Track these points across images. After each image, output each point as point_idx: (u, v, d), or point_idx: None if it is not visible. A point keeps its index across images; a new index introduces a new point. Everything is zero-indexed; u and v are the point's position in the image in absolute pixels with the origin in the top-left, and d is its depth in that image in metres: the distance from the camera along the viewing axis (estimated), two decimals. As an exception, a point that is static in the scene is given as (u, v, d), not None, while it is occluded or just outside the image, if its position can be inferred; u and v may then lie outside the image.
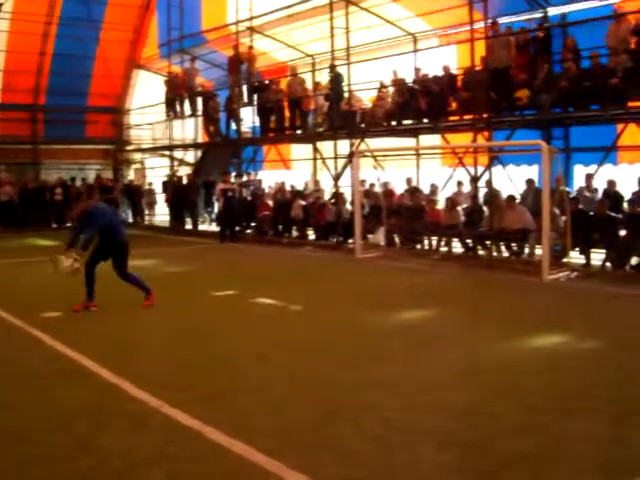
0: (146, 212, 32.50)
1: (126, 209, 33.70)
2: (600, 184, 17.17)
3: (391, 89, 21.27)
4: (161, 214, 31.51)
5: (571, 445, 5.92)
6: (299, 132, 23.94)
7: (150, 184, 31.84)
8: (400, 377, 7.94)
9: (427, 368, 8.34)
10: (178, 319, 11.53)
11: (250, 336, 10.27)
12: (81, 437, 6.25)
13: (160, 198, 31.61)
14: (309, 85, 24.60)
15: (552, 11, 19.55)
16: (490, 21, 17.87)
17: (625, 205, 15.96)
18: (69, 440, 6.21)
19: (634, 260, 15.13)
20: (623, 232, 15.49)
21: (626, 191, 16.56)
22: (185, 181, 29.47)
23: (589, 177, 17.38)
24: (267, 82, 25.55)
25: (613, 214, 15.59)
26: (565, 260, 15.79)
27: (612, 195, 16.45)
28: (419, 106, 19.49)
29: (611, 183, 16.80)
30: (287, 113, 24.10)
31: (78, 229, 12.06)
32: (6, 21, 29.13)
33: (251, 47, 25.54)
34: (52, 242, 25.24)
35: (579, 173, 18.28)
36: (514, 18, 19.69)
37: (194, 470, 5.55)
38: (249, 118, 26.09)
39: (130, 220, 33.08)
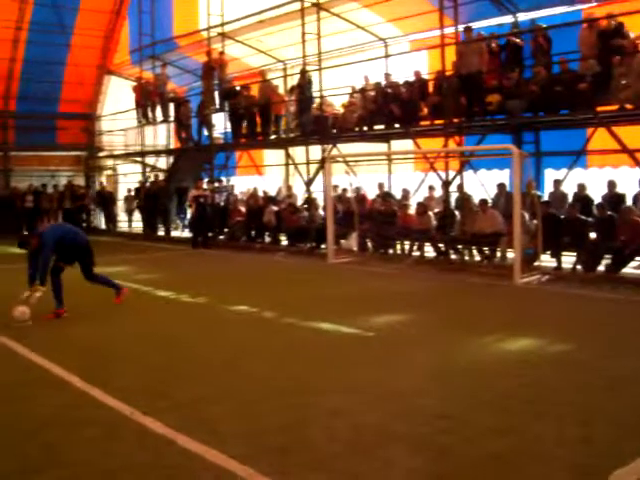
0: (126, 219, 32.31)
1: (98, 216, 33.60)
2: (570, 188, 17.30)
3: (363, 94, 21.31)
4: (133, 220, 31.37)
5: (543, 447, 5.95)
6: (271, 138, 23.93)
7: (129, 191, 31.61)
8: (372, 382, 7.95)
9: (399, 372, 8.35)
10: (149, 326, 11.48)
11: (222, 342, 10.25)
12: (51, 447, 6.20)
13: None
14: (281, 90, 24.63)
15: (522, 16, 19.70)
16: (463, 27, 17.97)
17: (595, 208, 16.07)
18: (39, 450, 6.14)
19: (604, 263, 15.26)
20: (593, 235, 15.63)
21: (596, 194, 16.72)
22: (151, 184, 29.40)
23: (557, 183, 17.50)
24: (239, 88, 25.54)
25: (583, 217, 15.71)
26: (536, 263, 15.89)
27: (582, 199, 16.59)
28: (391, 111, 19.54)
29: (581, 187, 16.95)
30: (259, 119, 24.07)
31: (34, 260, 11.82)
32: (-25, 27, 28.90)
33: (222, 53, 25.50)
34: (23, 249, 25.00)
35: (550, 177, 18.40)
36: (485, 23, 19.81)
37: (166, 478, 5.53)
38: (221, 124, 26.06)
39: (103, 227, 32.99)
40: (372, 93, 20.73)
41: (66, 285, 12.18)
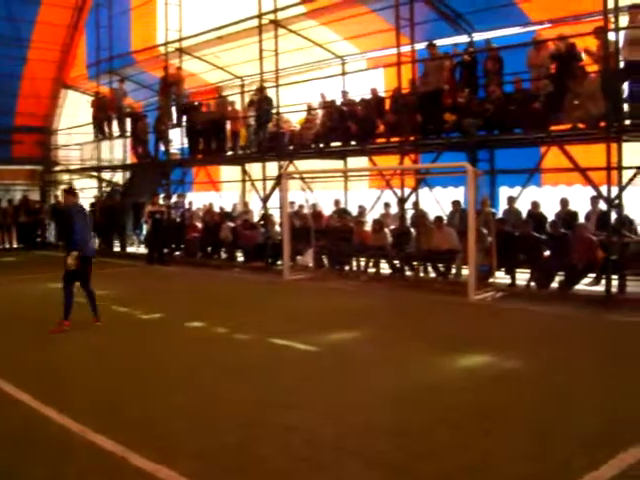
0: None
1: (52, 230, 33.29)
2: (524, 205, 17.47)
3: (319, 111, 21.40)
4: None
5: (494, 463, 6.00)
6: (228, 154, 23.90)
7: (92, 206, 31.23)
8: (327, 398, 7.97)
9: (354, 389, 8.37)
10: (103, 343, 11.40)
11: (176, 359, 10.22)
12: (3, 467, 6.14)
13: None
14: (238, 106, 24.62)
15: (477, 36, 19.92)
16: (427, 43, 18.13)
17: (548, 226, 16.24)
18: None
19: (558, 280, 15.42)
20: (547, 252, 15.79)
21: (550, 212, 16.90)
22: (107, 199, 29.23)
23: (511, 200, 17.67)
24: (196, 103, 25.50)
25: (537, 235, 15.87)
26: (491, 280, 16.02)
27: (536, 216, 16.77)
28: (347, 128, 19.62)
29: (535, 204, 17.12)
30: (215, 135, 24.02)
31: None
32: None
33: (179, 68, 25.44)
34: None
35: (504, 195, 18.56)
36: (440, 42, 19.96)
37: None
38: (178, 139, 25.98)
39: (56, 241, 32.66)
40: (329, 110, 20.81)
41: (17, 301, 12.05)
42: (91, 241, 13.66)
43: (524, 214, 17.23)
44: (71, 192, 13.53)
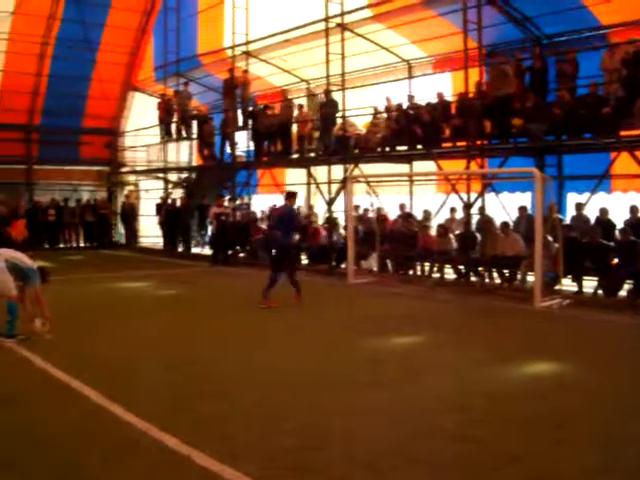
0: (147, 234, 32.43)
1: (119, 231, 33.76)
2: (593, 212, 17.20)
3: (385, 115, 21.33)
4: (154, 236, 31.45)
5: (563, 474, 5.91)
6: (294, 156, 23.95)
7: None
8: (390, 403, 7.92)
9: (418, 394, 8.32)
10: (169, 341, 11.48)
11: (241, 360, 10.25)
12: (67, 461, 6.22)
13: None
14: (304, 110, 24.67)
15: (545, 39, 19.68)
16: (489, 51, 18.01)
17: (617, 233, 15.98)
18: (55, 465, 6.16)
19: (626, 287, 15.17)
20: (615, 260, 15.54)
21: (619, 219, 16.61)
22: (179, 203, 29.48)
23: (579, 206, 17.41)
24: (261, 106, 25.60)
25: (605, 242, 15.63)
26: (557, 287, 15.82)
27: (604, 223, 16.50)
28: (413, 132, 19.53)
29: (603, 211, 16.84)
30: (280, 137, 24.10)
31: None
32: (3, 41, 29.14)
33: (246, 71, 25.59)
34: (44, 263, 25.19)
35: (572, 201, 18.29)
36: (509, 46, 19.78)
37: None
38: (243, 142, 26.12)
39: (123, 242, 33.14)
40: (395, 114, 20.74)
41: (87, 302, 12.19)
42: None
43: (592, 221, 16.98)
44: (292, 195, 16.04)
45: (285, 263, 15.30)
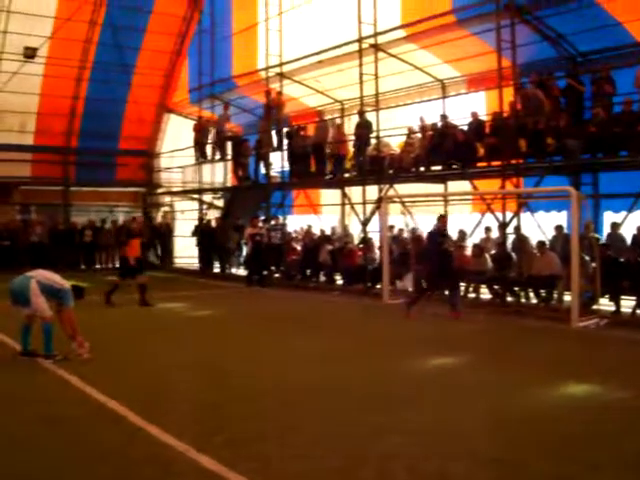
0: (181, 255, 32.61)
1: (154, 251, 33.94)
2: (630, 231, 17.05)
3: (419, 135, 21.31)
4: (189, 257, 31.59)
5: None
6: (328, 177, 24.00)
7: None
8: (427, 424, 7.89)
9: (454, 415, 8.27)
10: (205, 361, 11.52)
11: (277, 379, 10.25)
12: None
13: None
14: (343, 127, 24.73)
15: (580, 57, 19.60)
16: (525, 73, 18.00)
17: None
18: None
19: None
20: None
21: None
22: (214, 224, 29.61)
23: (614, 225, 17.26)
24: (296, 127, 25.71)
25: (643, 261, 15.50)
26: (595, 307, 15.68)
27: (642, 242, 16.37)
28: (447, 152, 19.49)
29: (640, 230, 16.71)
30: (314, 158, 24.16)
31: None
32: (41, 65, 29.55)
33: (280, 93, 25.74)
34: (80, 283, 25.34)
35: (608, 219, 18.15)
36: (543, 64, 19.71)
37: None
38: (278, 162, 26.23)
39: (157, 262, 33.27)
40: (429, 134, 20.72)
41: (124, 322, 12.26)
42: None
43: (629, 240, 16.83)
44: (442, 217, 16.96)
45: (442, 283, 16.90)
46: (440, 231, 16.64)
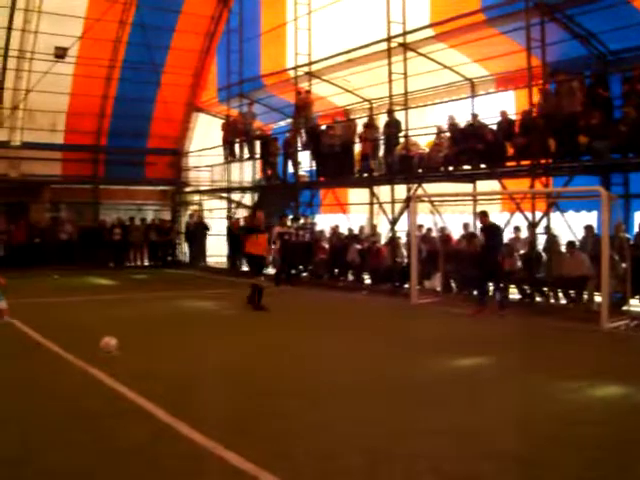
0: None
1: (184, 250, 34.08)
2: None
3: (448, 134, 21.23)
4: (218, 255, 31.70)
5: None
6: (356, 176, 23.98)
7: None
8: (454, 424, 7.85)
9: (482, 415, 8.24)
10: (235, 361, 11.53)
11: (303, 377, 10.30)
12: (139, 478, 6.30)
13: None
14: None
15: (610, 55, 19.45)
16: (552, 71, 17.86)
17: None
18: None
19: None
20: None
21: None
22: (242, 223, 29.64)
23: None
24: (323, 127, 25.71)
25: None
26: (625, 308, 15.56)
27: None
28: (476, 151, 19.41)
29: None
30: (343, 157, 24.13)
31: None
32: (71, 65, 29.77)
33: (309, 91, 25.76)
34: (110, 281, 25.57)
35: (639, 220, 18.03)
36: (573, 62, 19.57)
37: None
38: (307, 162, 26.24)
39: (187, 260, 33.41)
40: (458, 132, 20.64)
41: (152, 319, 12.32)
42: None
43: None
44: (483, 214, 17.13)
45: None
46: (495, 227, 17.18)
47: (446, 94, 24.67)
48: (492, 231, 16.90)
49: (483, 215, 17.03)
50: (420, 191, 20.94)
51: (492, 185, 20.84)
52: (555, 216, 17.95)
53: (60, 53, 27.69)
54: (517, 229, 19.79)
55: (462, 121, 21.04)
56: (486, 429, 7.71)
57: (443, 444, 7.18)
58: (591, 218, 18.73)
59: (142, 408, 8.47)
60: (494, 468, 6.49)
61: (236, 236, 28.56)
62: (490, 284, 17.47)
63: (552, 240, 17.82)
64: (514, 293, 18.63)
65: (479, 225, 17.35)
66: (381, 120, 24.11)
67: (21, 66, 29.59)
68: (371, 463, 6.61)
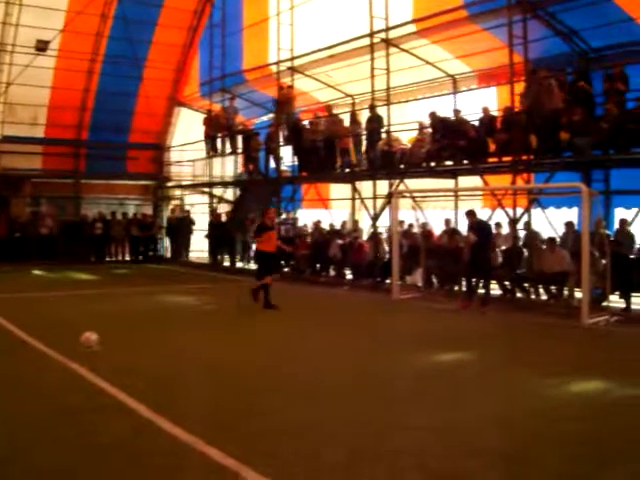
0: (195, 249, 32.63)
1: (165, 244, 34.00)
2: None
3: (430, 130, 21.25)
4: (199, 250, 31.66)
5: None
6: (338, 172, 23.97)
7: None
8: (438, 420, 7.88)
9: (465, 412, 8.26)
10: (216, 357, 11.51)
11: (286, 374, 10.29)
12: (118, 476, 6.28)
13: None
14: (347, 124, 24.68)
15: (592, 53, 19.52)
16: (532, 68, 17.91)
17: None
18: (111, 476, 6.24)
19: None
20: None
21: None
22: (224, 218, 29.60)
23: (623, 222, 17.19)
24: (305, 122, 25.69)
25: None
26: (605, 304, 15.64)
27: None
28: (457, 146, 19.45)
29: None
30: (325, 152, 24.09)
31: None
32: (52, 58, 29.56)
33: (291, 87, 25.73)
34: (91, 276, 25.49)
35: (620, 216, 18.09)
36: (554, 59, 19.63)
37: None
38: (288, 157, 26.22)
39: (169, 255, 33.35)
40: (439, 128, 20.66)
41: (133, 314, 12.30)
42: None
43: (638, 237, 16.78)
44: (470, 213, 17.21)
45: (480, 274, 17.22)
46: (485, 223, 17.56)
47: (428, 90, 24.69)
48: (482, 227, 17.02)
49: (471, 214, 17.10)
50: (402, 187, 20.97)
51: (474, 181, 20.90)
52: (536, 212, 18.02)
53: (41, 46, 27.50)
54: (498, 225, 19.85)
55: (444, 116, 21.04)
56: (470, 425, 7.74)
57: (428, 441, 7.20)
58: (572, 214, 18.81)
59: (123, 403, 8.45)
60: (479, 465, 6.51)
61: (219, 230, 28.57)
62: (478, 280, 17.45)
63: (532, 236, 17.88)
64: (495, 289, 18.66)
65: (467, 224, 17.25)
66: (363, 115, 24.11)
67: (2, 59, 29.38)
68: (356, 459, 6.62)
